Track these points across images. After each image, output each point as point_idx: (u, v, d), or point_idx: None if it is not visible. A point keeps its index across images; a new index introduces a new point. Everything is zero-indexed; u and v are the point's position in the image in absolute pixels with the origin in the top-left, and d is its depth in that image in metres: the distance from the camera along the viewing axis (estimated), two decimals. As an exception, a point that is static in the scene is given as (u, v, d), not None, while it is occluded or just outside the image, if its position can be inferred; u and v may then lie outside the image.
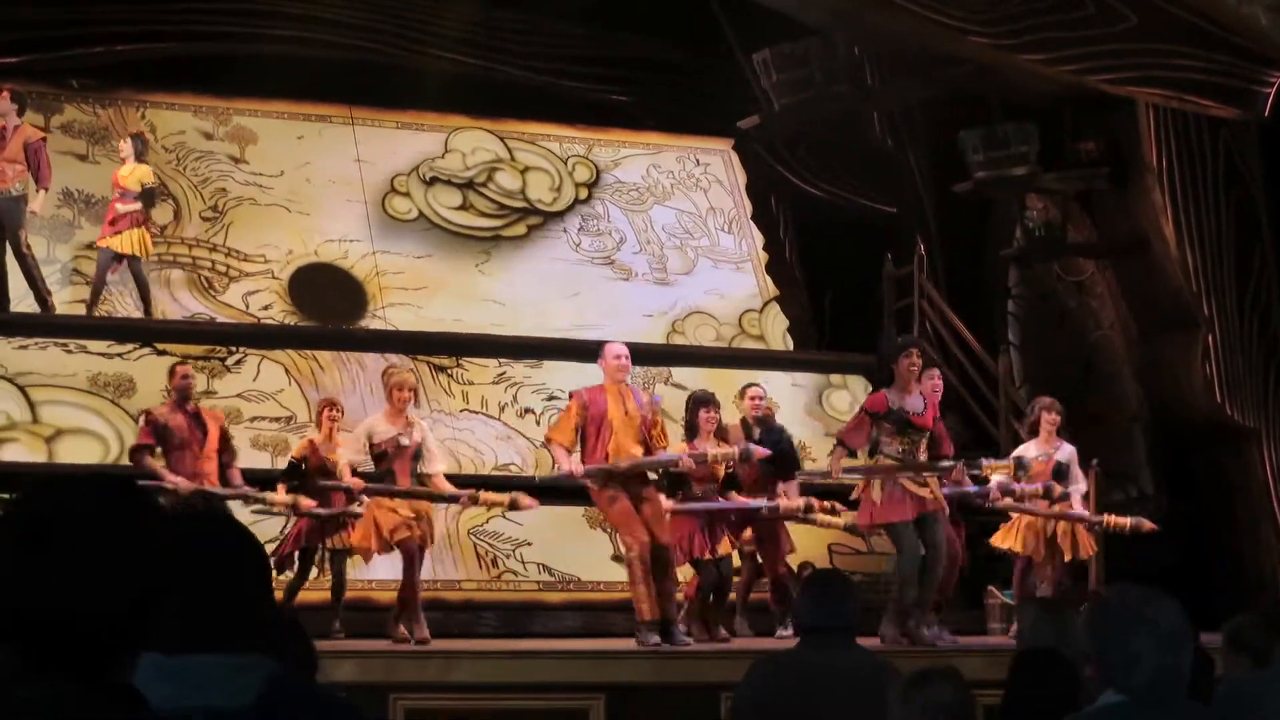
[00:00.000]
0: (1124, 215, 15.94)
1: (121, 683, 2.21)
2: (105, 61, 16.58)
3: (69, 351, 14.25)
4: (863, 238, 17.77)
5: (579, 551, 14.10)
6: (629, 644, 10.91)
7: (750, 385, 12.68)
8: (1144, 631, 3.53)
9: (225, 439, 11.67)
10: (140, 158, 14.91)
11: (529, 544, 13.91)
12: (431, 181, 17.22)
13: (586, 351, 15.61)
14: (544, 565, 14.00)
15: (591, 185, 17.99)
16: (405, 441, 11.01)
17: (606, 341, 11.34)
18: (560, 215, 17.63)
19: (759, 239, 18.25)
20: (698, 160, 18.68)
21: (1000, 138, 15.64)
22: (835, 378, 16.25)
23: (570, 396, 11.13)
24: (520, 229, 17.35)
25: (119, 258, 14.68)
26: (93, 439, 13.98)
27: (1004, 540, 12.53)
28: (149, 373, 14.34)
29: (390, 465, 11.01)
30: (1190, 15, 14.78)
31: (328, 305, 16.15)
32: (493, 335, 15.74)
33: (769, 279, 17.92)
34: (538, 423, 14.90)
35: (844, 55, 16.06)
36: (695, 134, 18.75)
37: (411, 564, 10.96)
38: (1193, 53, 14.92)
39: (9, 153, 14.17)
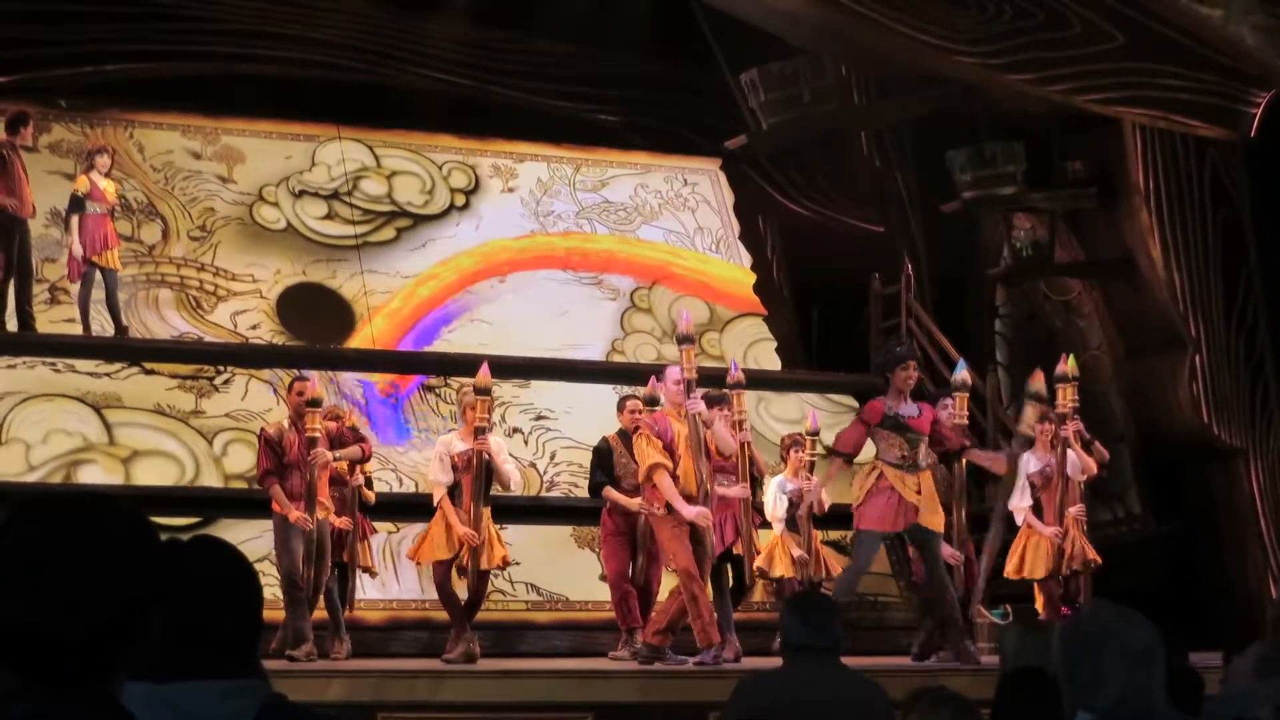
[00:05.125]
0: (1111, 235, 15.97)
1: (113, 699, 2.21)
2: (93, 81, 16.56)
3: (57, 371, 14.23)
4: (850, 257, 17.77)
5: (567, 571, 14.09)
6: (617, 664, 10.91)
7: (628, 398, 12.59)
8: (1112, 649, 3.52)
9: (338, 443, 11.50)
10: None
11: (517, 563, 13.87)
12: (300, 194, 17.08)
13: (575, 371, 15.69)
14: (532, 585, 13.98)
15: (470, 192, 17.78)
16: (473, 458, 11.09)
17: (666, 365, 11.39)
18: (435, 219, 17.38)
19: (746, 258, 18.25)
20: (685, 180, 18.68)
21: (987, 157, 15.66)
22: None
23: (637, 428, 11.13)
24: (389, 233, 17.10)
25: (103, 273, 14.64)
26: (168, 460, 14.05)
27: (1016, 570, 12.46)
28: (137, 392, 14.33)
29: (458, 479, 11.11)
30: (1177, 35, 14.82)
31: (316, 325, 16.12)
32: (481, 355, 15.69)
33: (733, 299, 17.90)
34: (525, 443, 14.90)
35: (832, 74, 16.07)
36: (683, 154, 18.75)
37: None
38: (1179, 73, 14.96)
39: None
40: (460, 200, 17.60)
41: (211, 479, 13.99)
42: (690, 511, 10.58)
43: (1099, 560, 12.31)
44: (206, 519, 13.04)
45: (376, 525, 12.69)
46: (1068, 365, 12.26)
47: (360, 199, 17.18)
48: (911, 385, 11.34)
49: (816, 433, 12.41)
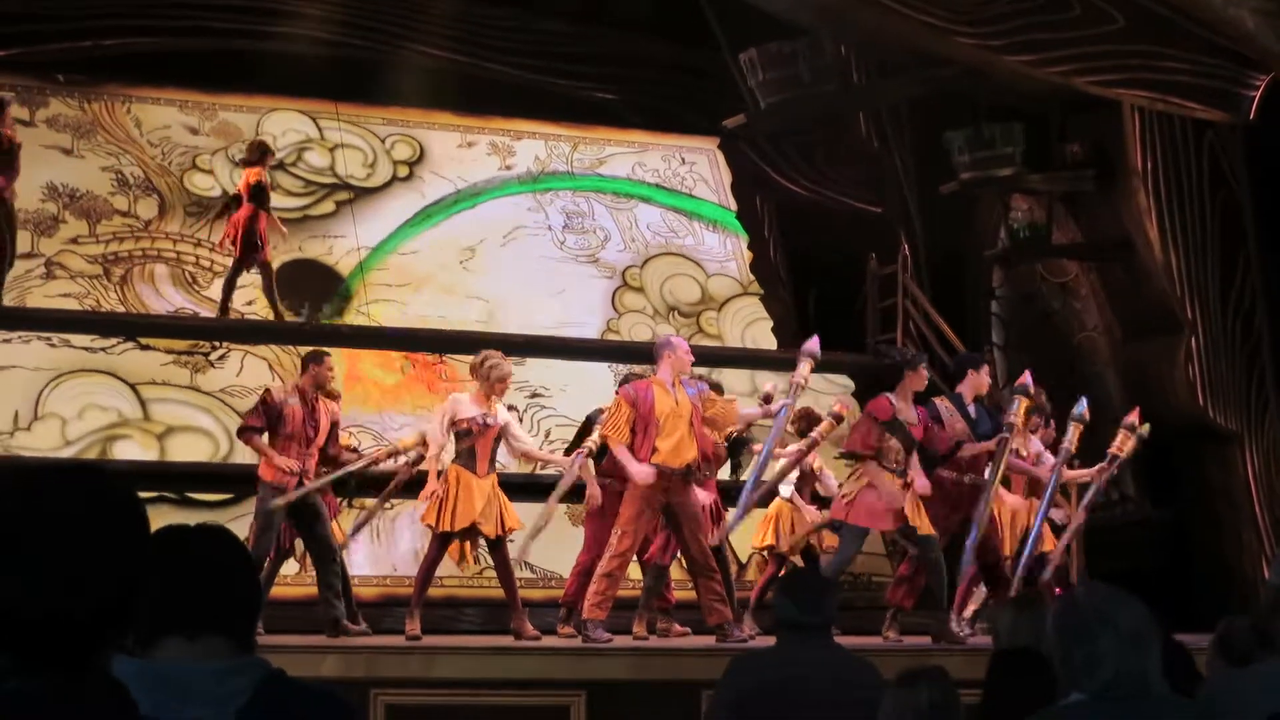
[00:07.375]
0: (1109, 217, 15.96)
1: (105, 674, 2.21)
2: (91, 56, 16.53)
3: (52, 345, 14.23)
4: (847, 237, 17.78)
5: (561, 548, 14.08)
6: (610, 641, 10.90)
7: (631, 375, 12.39)
8: (1105, 631, 3.51)
9: (332, 433, 11.24)
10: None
11: (511, 540, 13.89)
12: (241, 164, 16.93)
13: (570, 349, 15.67)
14: (526, 562, 13.98)
15: (414, 163, 17.65)
16: (490, 422, 10.96)
17: (672, 336, 11.33)
18: (376, 191, 17.25)
19: (744, 237, 18.25)
20: (683, 159, 18.66)
21: (986, 138, 15.66)
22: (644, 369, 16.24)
23: (617, 393, 11.06)
24: (328, 205, 16.94)
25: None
26: (203, 436, 14.08)
27: None
28: (133, 367, 14.33)
29: (472, 444, 10.96)
30: (1177, 18, 14.81)
31: (312, 301, 16.11)
32: (477, 332, 15.69)
33: (736, 278, 17.89)
34: (520, 420, 14.86)
35: (831, 54, 16.06)
36: (681, 132, 18.73)
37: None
38: (1179, 55, 14.95)
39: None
40: (404, 172, 17.52)
41: (245, 454, 14.01)
42: (635, 470, 10.45)
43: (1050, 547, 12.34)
44: (239, 495, 13.06)
45: (368, 503, 12.66)
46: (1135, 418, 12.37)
47: (304, 170, 17.10)
48: (920, 389, 11.38)
49: (841, 419, 12.00)
